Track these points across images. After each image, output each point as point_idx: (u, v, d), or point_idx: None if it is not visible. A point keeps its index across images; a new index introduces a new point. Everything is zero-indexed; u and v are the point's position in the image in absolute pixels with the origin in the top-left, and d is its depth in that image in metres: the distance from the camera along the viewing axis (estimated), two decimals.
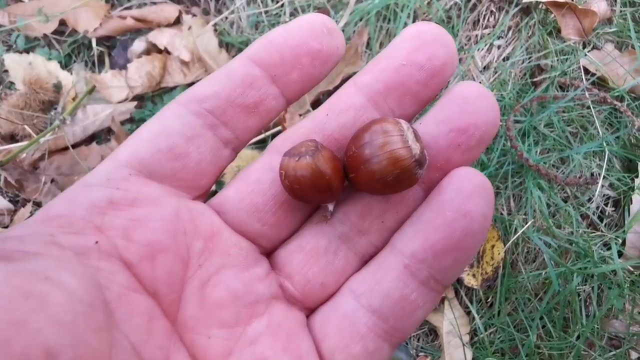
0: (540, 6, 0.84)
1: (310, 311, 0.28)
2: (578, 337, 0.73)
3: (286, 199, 0.28)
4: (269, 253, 0.29)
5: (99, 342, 0.20)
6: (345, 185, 0.29)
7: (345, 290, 0.27)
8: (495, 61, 0.84)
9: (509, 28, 0.85)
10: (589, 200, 0.78)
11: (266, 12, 0.94)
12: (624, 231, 0.75)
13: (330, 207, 0.28)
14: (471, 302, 0.82)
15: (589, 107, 0.79)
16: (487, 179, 0.24)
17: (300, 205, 0.29)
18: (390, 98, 0.27)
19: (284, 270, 0.28)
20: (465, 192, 0.24)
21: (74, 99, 0.95)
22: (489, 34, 0.84)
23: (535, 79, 0.83)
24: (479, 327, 0.79)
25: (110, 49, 1.02)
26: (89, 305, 0.20)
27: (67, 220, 0.23)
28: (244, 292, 0.26)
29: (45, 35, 0.99)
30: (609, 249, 0.75)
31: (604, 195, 0.79)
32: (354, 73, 0.88)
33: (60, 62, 0.98)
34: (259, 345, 0.25)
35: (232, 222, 0.28)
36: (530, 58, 0.83)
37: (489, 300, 0.81)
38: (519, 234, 0.76)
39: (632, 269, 0.73)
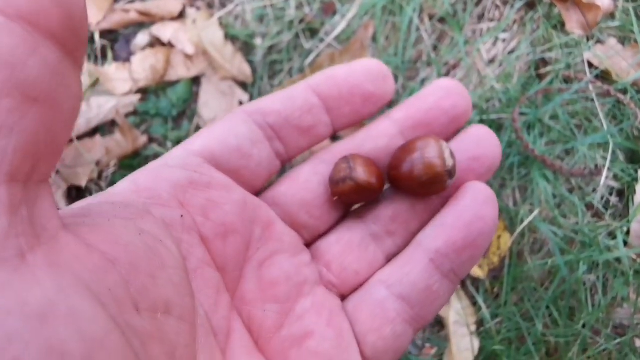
0: (544, 0, 0.85)
1: (342, 298, 0.32)
2: (584, 326, 0.74)
3: (330, 198, 0.32)
4: (307, 245, 0.33)
5: (191, 305, 0.23)
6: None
7: (376, 280, 0.31)
8: (501, 54, 0.85)
9: (514, 22, 0.86)
10: (594, 190, 0.79)
11: (271, 5, 0.94)
12: (628, 220, 0.76)
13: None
14: (477, 292, 0.83)
15: (593, 100, 0.81)
16: (493, 192, 0.30)
17: (340, 204, 0.33)
18: (417, 133, 0.32)
19: (323, 259, 0.32)
20: (480, 200, 0.29)
21: None
22: (494, 27, 0.85)
23: (540, 72, 0.84)
24: (485, 317, 0.80)
25: (113, 43, 1.01)
26: (184, 272, 0.24)
27: (155, 193, 0.26)
28: (294, 273, 0.30)
29: None
30: (614, 238, 0.76)
31: (608, 186, 0.80)
32: None
33: None
34: (305, 320, 0.29)
35: (283, 215, 0.32)
36: (535, 51, 0.84)
37: (495, 290, 0.82)
38: (525, 223, 0.77)
39: (635, 258, 0.74)
